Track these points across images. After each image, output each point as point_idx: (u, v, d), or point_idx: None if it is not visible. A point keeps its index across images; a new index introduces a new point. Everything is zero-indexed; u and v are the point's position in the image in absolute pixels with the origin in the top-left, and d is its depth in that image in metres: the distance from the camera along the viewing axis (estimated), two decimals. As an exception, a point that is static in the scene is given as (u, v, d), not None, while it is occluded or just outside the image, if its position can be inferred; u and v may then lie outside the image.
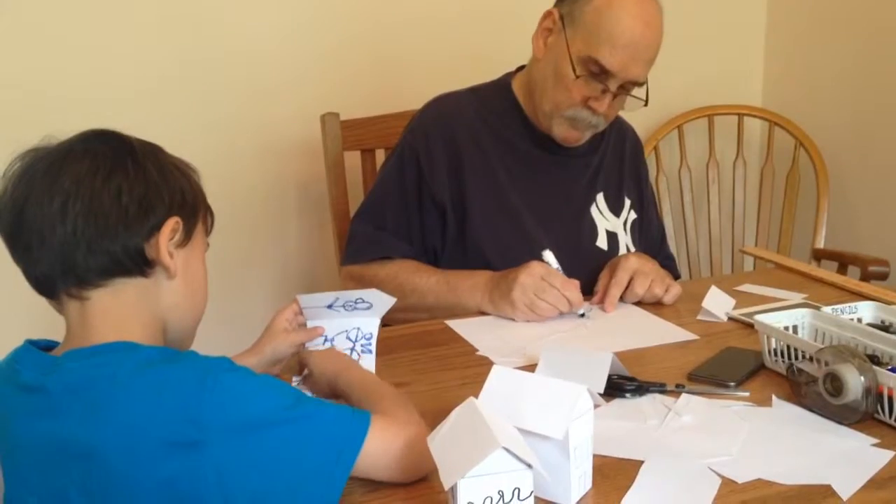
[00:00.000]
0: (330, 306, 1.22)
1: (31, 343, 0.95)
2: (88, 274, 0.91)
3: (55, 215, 0.89)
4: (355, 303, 1.22)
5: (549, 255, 1.49)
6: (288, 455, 0.86)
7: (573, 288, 1.45)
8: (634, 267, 1.52)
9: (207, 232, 1.05)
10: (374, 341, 1.23)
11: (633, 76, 1.52)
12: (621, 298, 1.51)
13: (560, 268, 1.48)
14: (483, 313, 1.50)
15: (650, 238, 1.81)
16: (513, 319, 1.46)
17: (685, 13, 2.52)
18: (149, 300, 0.95)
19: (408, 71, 2.24)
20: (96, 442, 0.85)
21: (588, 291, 1.54)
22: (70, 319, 0.94)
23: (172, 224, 0.94)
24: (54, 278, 0.92)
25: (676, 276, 1.85)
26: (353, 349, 1.23)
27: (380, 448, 0.91)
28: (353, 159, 2.01)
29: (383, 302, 1.22)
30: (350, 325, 1.23)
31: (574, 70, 1.51)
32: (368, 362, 1.22)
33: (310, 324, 1.25)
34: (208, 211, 1.04)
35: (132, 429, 0.85)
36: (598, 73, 1.50)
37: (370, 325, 1.24)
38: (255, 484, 0.85)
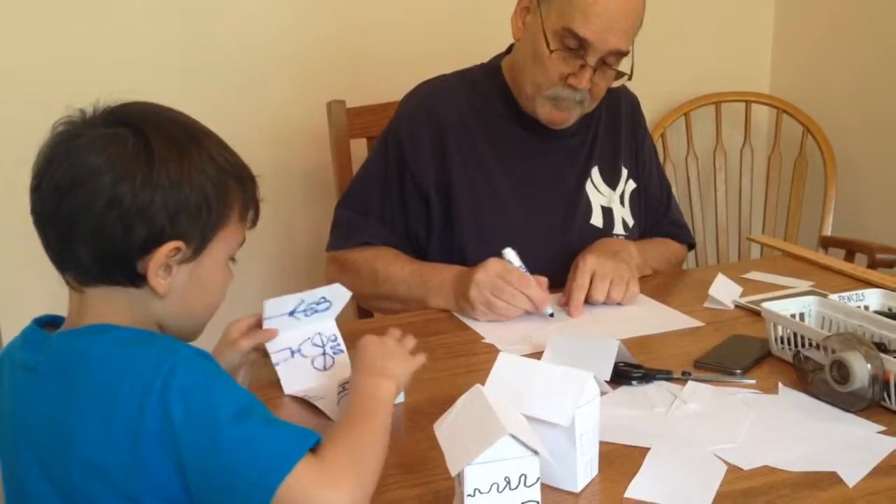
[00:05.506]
0: (292, 312, 1.16)
1: (36, 321, 0.96)
2: (80, 271, 0.91)
3: (59, 204, 0.88)
4: (317, 304, 1.17)
5: (510, 253, 1.43)
6: (214, 459, 0.82)
7: (532, 285, 1.39)
8: (592, 268, 1.44)
9: (250, 226, 1.00)
10: (340, 340, 1.20)
11: (612, 46, 1.46)
12: (587, 301, 1.44)
13: (523, 265, 1.43)
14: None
15: (652, 203, 1.76)
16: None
17: (693, -1, 2.52)
18: (141, 307, 0.93)
19: (414, 58, 2.23)
20: (75, 420, 0.86)
21: None
22: (70, 303, 0.95)
23: (172, 246, 0.90)
24: (57, 262, 0.92)
25: (691, 246, 1.83)
26: (324, 353, 1.19)
27: (298, 491, 0.81)
28: (359, 147, 2.01)
29: (340, 296, 1.18)
30: (312, 332, 1.19)
31: (548, 45, 1.47)
32: (343, 361, 1.18)
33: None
34: (248, 209, 0.99)
35: (102, 408, 0.85)
36: (575, 46, 1.46)
37: (328, 326, 1.20)
38: (190, 476, 0.83)
